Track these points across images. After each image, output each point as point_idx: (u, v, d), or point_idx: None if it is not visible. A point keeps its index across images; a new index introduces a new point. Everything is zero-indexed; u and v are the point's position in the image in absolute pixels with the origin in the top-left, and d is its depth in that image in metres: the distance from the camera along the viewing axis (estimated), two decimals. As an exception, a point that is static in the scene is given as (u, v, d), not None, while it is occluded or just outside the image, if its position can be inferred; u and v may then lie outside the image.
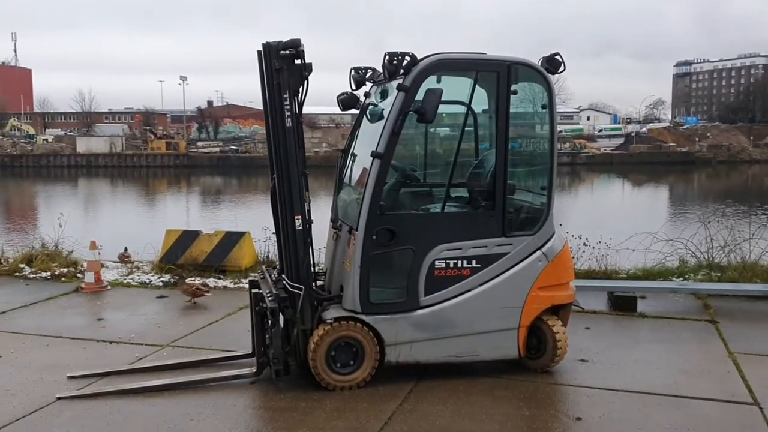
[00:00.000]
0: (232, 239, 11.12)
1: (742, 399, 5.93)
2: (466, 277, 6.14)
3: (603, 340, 7.52)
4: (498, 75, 6.16)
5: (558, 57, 6.36)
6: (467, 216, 6.47)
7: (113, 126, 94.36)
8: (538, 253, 6.31)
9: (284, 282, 6.16)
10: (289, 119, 5.94)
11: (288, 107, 5.93)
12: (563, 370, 6.51)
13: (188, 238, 11.31)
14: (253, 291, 6.54)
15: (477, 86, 6.43)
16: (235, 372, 6.40)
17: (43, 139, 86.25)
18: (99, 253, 10.43)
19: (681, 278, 10.11)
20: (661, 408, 5.76)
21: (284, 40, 5.88)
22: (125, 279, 10.75)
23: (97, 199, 44.20)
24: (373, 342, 6.03)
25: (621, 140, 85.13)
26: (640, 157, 70.53)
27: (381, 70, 6.33)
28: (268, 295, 6.19)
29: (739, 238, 10.82)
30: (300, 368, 6.16)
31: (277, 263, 6.89)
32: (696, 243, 10.79)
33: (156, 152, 73.53)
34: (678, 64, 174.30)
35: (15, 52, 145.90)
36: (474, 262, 6.16)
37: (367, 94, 6.94)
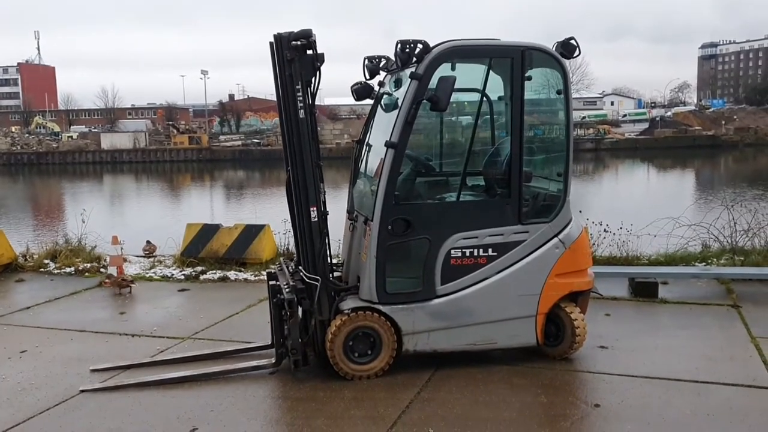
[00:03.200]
0: (251, 232, 11.20)
1: (765, 384, 5.87)
2: (482, 265, 6.12)
3: (623, 327, 7.48)
4: (512, 61, 6.11)
5: (573, 41, 6.28)
6: (483, 204, 6.45)
7: (136, 122, 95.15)
8: (555, 240, 6.27)
9: (301, 273, 6.19)
10: (302, 110, 5.93)
11: (301, 98, 5.92)
12: (582, 357, 6.48)
13: (209, 231, 11.41)
14: (271, 283, 6.57)
15: (491, 73, 6.36)
16: (254, 363, 6.45)
17: (68, 136, 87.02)
18: (121, 248, 10.55)
19: (703, 263, 9.99)
20: (681, 394, 5.71)
21: (296, 31, 5.87)
22: (147, 273, 10.86)
23: (121, 194, 44.66)
24: (390, 331, 6.03)
25: (646, 125, 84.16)
26: (665, 142, 69.62)
27: (394, 59, 6.31)
28: (286, 286, 6.22)
29: (762, 221, 10.71)
30: (318, 358, 6.20)
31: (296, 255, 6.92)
32: (719, 227, 10.68)
33: (179, 147, 73.90)
34: (703, 47, 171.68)
35: (38, 50, 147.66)
36: (490, 250, 6.13)
37: (381, 84, 6.91)
